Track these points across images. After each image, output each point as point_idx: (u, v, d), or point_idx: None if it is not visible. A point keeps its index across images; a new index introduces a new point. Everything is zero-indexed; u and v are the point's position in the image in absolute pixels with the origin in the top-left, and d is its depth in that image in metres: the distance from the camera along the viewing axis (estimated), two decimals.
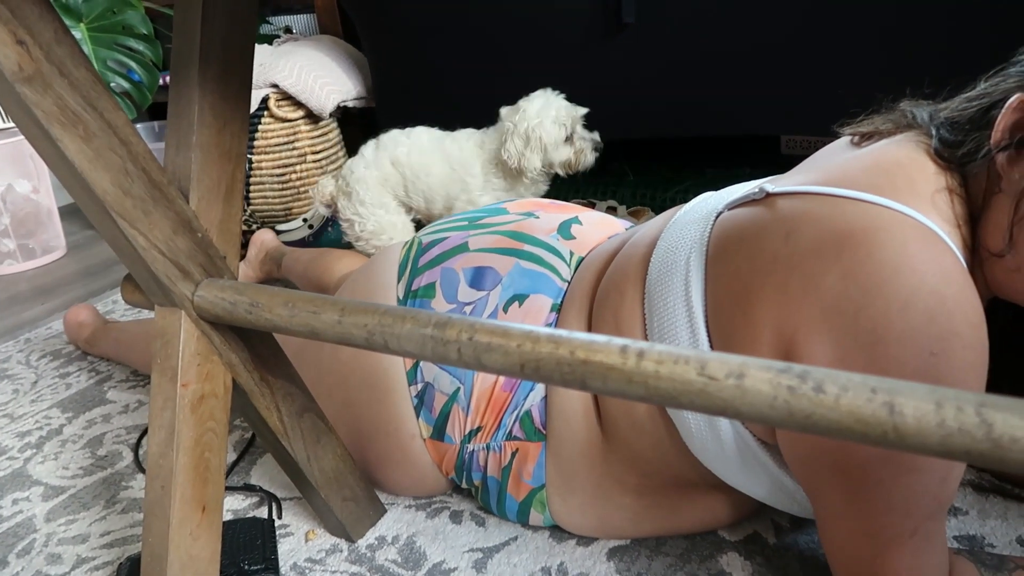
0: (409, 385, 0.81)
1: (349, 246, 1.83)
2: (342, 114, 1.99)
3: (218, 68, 0.62)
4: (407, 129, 1.56)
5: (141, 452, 1.05)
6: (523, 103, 1.43)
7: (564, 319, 0.78)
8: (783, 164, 0.88)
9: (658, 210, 1.62)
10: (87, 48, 1.87)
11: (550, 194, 1.48)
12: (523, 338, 0.48)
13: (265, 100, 1.83)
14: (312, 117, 1.90)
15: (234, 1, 0.61)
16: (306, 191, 1.94)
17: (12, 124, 2.05)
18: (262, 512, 0.90)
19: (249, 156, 1.86)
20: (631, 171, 1.82)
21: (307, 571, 0.80)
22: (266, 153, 1.87)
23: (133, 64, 1.95)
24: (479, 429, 0.79)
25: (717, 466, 0.70)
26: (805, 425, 0.40)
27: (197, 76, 0.60)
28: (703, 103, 1.49)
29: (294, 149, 1.89)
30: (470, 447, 0.79)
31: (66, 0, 1.88)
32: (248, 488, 0.94)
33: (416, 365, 0.81)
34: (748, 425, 0.65)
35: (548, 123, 1.39)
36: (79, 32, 1.90)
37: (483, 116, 1.64)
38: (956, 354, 0.54)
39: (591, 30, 1.53)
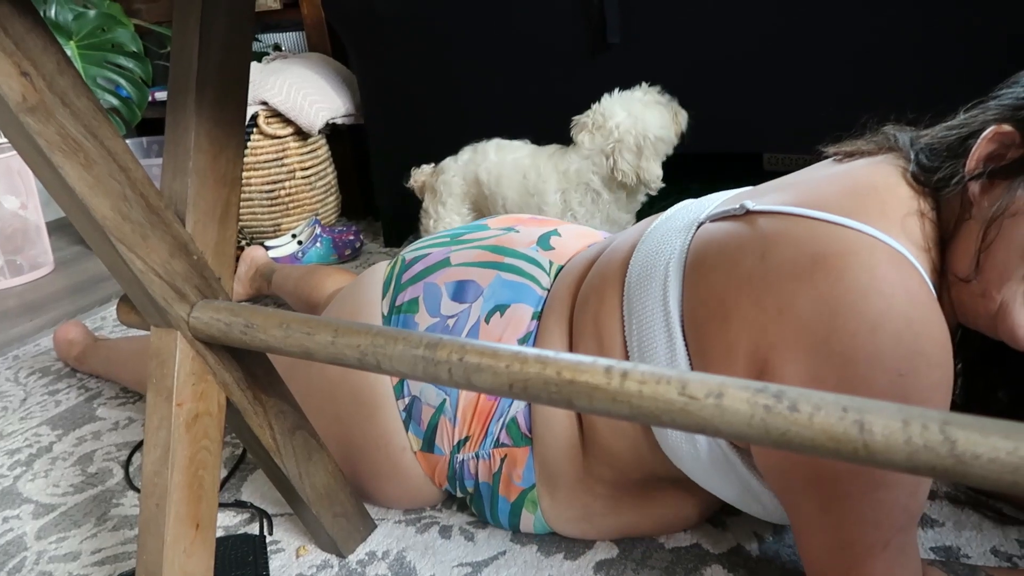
0: (396, 399, 0.83)
1: (338, 262, 1.85)
2: (331, 131, 2.01)
3: (214, 95, 0.63)
4: (503, 142, 1.53)
5: (132, 469, 1.06)
6: (601, 114, 1.38)
7: (544, 326, 0.80)
8: (765, 180, 0.91)
9: None
10: (77, 66, 1.88)
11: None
12: (511, 359, 0.50)
13: (254, 117, 1.85)
14: (301, 134, 1.92)
15: (230, 30, 0.63)
16: (296, 207, 1.95)
17: (0, 141, 2.06)
18: (253, 528, 0.91)
19: None
20: None
21: None
22: (255, 170, 1.89)
23: (122, 81, 1.97)
24: (467, 439, 0.80)
25: (689, 467, 0.72)
26: (780, 442, 0.42)
27: (194, 103, 0.62)
28: (689, 120, 1.52)
29: (283, 166, 1.91)
30: (460, 456, 0.81)
31: (56, 18, 1.89)
32: (239, 504, 0.95)
33: (403, 379, 0.82)
34: None
35: (653, 124, 1.35)
36: (69, 50, 1.91)
37: (471, 132, 1.66)
38: (922, 373, 0.56)
39: (576, 50, 1.56)
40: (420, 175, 1.65)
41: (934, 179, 0.65)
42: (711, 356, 0.65)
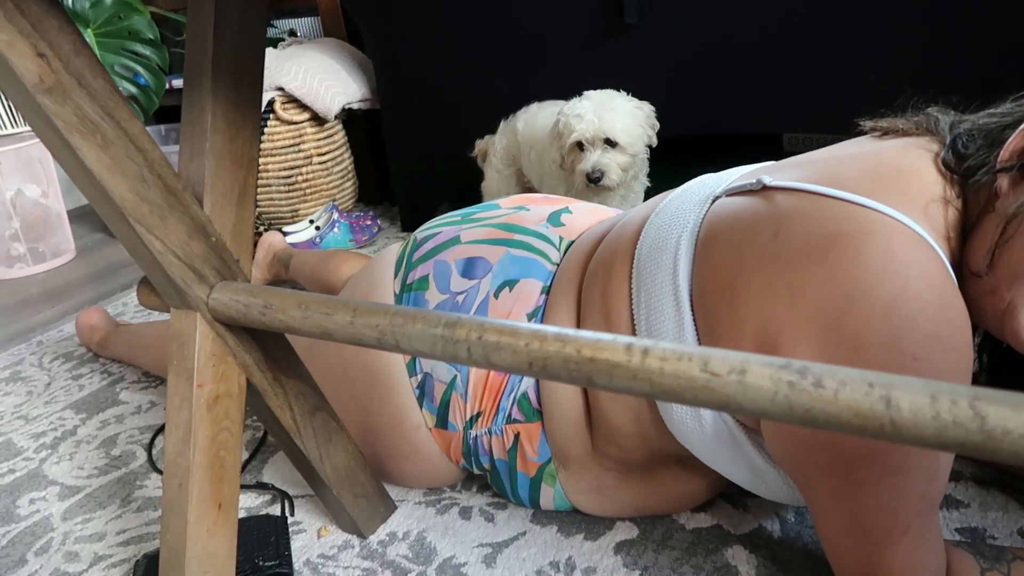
0: (410, 377, 0.83)
1: (355, 247, 1.85)
2: (347, 116, 2.01)
3: (230, 76, 0.63)
4: (550, 101, 1.55)
5: (155, 452, 1.07)
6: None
7: (553, 300, 0.80)
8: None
9: None
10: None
11: None
12: (531, 337, 0.50)
13: (271, 103, 1.85)
14: (317, 119, 1.92)
15: (244, 11, 0.62)
16: (313, 193, 1.95)
17: (20, 129, 2.08)
18: (275, 510, 0.92)
19: None
20: None
21: (320, 567, 0.82)
22: (272, 156, 1.89)
23: (140, 68, 1.97)
24: (479, 415, 0.80)
25: (694, 445, 0.71)
26: (804, 419, 0.41)
27: (210, 84, 0.62)
28: (705, 102, 1.50)
29: (300, 151, 1.91)
30: (473, 433, 0.81)
31: (74, 6, 1.90)
32: (261, 486, 0.96)
33: (415, 357, 0.82)
34: None
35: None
36: (87, 37, 1.91)
37: (487, 116, 1.66)
38: (939, 357, 0.55)
39: (593, 31, 1.54)
40: (481, 143, 1.70)
41: (964, 166, 0.63)
42: (719, 333, 0.64)
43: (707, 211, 0.69)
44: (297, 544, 0.85)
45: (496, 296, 0.81)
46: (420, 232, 0.92)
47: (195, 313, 0.64)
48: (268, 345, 0.71)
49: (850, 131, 0.76)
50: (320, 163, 1.94)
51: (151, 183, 0.59)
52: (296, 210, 1.96)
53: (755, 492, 0.74)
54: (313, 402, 0.76)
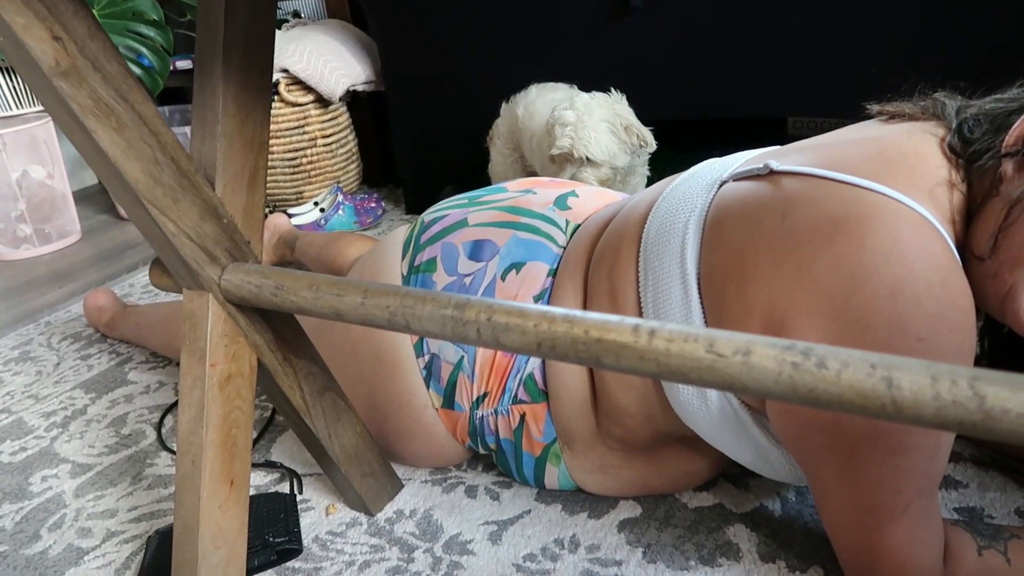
0: (417, 357, 0.84)
1: (360, 230, 1.86)
2: (351, 98, 2.01)
3: (240, 60, 0.64)
4: (548, 84, 1.55)
5: (164, 431, 1.08)
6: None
7: (560, 283, 0.81)
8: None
9: None
10: None
11: None
12: (539, 318, 0.51)
13: (276, 85, 1.85)
14: (322, 101, 1.92)
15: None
16: (317, 175, 1.96)
17: (25, 111, 2.08)
18: (283, 487, 0.94)
19: None
20: None
21: (328, 543, 0.83)
22: (277, 138, 1.89)
23: (144, 50, 1.97)
24: (486, 395, 0.81)
25: (699, 425, 0.72)
26: (808, 399, 0.42)
27: (221, 68, 0.62)
28: (710, 85, 1.50)
29: (304, 133, 1.92)
30: (479, 413, 0.82)
31: None
32: (270, 464, 0.97)
33: (422, 337, 0.83)
34: None
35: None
36: None
37: (492, 98, 1.66)
38: (943, 338, 0.56)
39: (598, 13, 1.54)
40: (492, 130, 1.70)
41: (969, 150, 0.64)
42: (727, 316, 0.65)
43: (715, 195, 0.70)
44: (306, 521, 0.87)
45: (503, 278, 0.82)
46: (427, 214, 0.92)
47: (207, 294, 0.65)
48: (278, 325, 0.72)
49: (855, 115, 0.77)
50: (324, 145, 1.95)
51: (164, 165, 0.60)
52: (301, 192, 1.96)
53: (758, 472, 0.75)
54: (322, 382, 0.78)
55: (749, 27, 1.44)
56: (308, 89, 1.89)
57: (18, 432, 1.12)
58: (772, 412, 0.66)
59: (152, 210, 0.59)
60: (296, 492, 0.92)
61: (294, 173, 1.94)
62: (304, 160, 1.93)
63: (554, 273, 0.82)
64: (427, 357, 0.83)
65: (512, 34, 1.66)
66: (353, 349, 0.88)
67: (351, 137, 2.04)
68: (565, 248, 0.84)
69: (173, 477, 0.97)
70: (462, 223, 0.87)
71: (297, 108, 1.89)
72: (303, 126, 1.91)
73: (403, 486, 0.90)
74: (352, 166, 2.05)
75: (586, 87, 1.52)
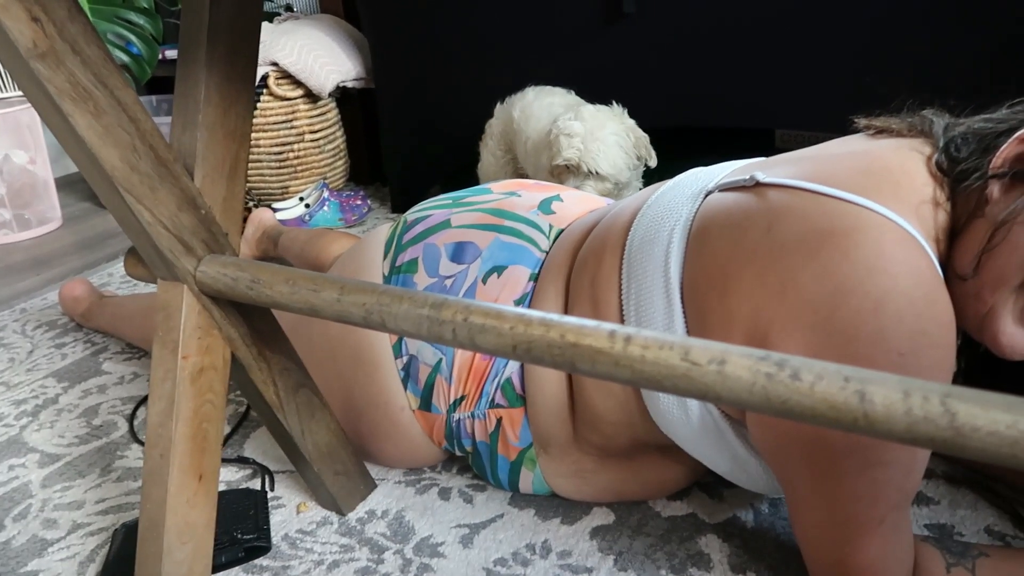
0: (395, 358, 0.83)
1: (344, 227, 1.85)
2: (341, 94, 2.00)
3: (225, 49, 0.63)
4: (546, 88, 1.54)
5: (136, 423, 1.07)
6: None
7: (541, 287, 0.81)
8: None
9: None
10: None
11: None
12: (516, 320, 0.50)
13: (265, 78, 1.84)
14: (311, 96, 1.91)
15: None
16: (304, 170, 1.95)
17: (9, 95, 2.05)
18: (255, 484, 0.93)
19: None
20: None
21: (298, 542, 0.82)
22: (264, 131, 1.88)
23: (133, 37, 1.95)
24: (463, 398, 0.81)
25: (678, 434, 0.72)
26: (781, 410, 0.42)
27: (204, 56, 0.62)
28: (700, 94, 1.51)
29: (292, 128, 1.90)
30: (456, 416, 0.82)
31: None
32: (242, 460, 0.96)
33: (401, 339, 0.83)
34: None
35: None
36: (80, 3, 1.89)
37: (482, 99, 1.65)
38: (924, 353, 0.57)
39: (592, 18, 1.54)
40: (487, 128, 1.69)
41: (956, 169, 0.64)
42: (709, 325, 0.65)
43: (700, 205, 0.70)
44: (276, 519, 0.86)
45: (484, 281, 0.82)
46: (411, 214, 0.92)
47: (182, 285, 0.65)
48: (254, 320, 0.71)
49: (843, 129, 0.77)
50: (312, 140, 1.94)
51: (142, 153, 0.59)
52: (286, 187, 1.95)
53: (735, 481, 0.75)
54: (297, 378, 0.77)
55: (741, 38, 1.45)
56: (297, 83, 1.87)
57: None
58: (751, 422, 0.66)
59: (128, 198, 0.59)
60: (267, 489, 0.91)
61: (280, 167, 1.92)
62: (291, 155, 1.92)
63: (536, 277, 0.82)
64: (405, 358, 0.83)
65: (504, 37, 1.66)
66: (331, 348, 0.87)
67: (339, 133, 2.03)
68: (547, 253, 0.84)
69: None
70: (445, 224, 0.87)
71: (286, 102, 1.88)
72: (291, 120, 1.90)
73: (376, 486, 0.90)
74: (339, 162, 2.03)
75: (578, 91, 1.53)
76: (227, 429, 1.03)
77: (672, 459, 0.81)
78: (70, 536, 0.85)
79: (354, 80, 1.94)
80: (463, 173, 1.78)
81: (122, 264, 1.71)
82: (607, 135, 1.34)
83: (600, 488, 0.83)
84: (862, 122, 0.74)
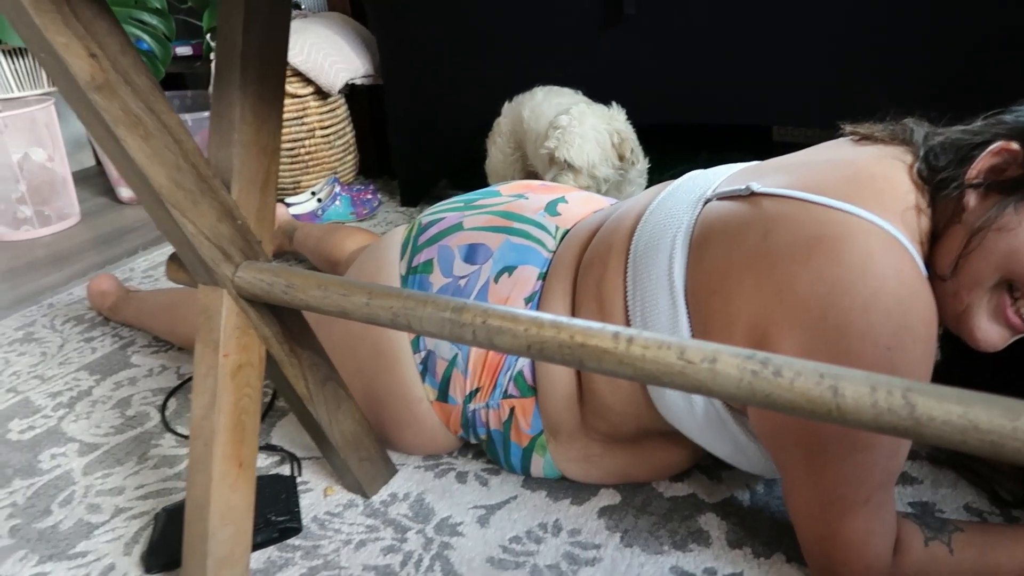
0: (414, 353, 0.89)
1: (356, 221, 1.90)
2: (350, 90, 2.05)
3: (256, 71, 0.68)
4: (555, 88, 1.58)
5: (167, 413, 1.13)
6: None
7: (549, 286, 0.86)
8: (774, 152, 0.95)
9: None
10: None
11: None
12: (530, 323, 0.56)
13: None
14: (321, 94, 1.95)
15: (271, 12, 0.67)
16: (315, 165, 2.00)
17: (26, 93, 2.11)
18: (283, 470, 0.99)
19: None
20: None
21: (327, 523, 0.89)
22: None
23: (146, 37, 2.00)
24: (478, 390, 0.87)
25: (683, 424, 0.78)
26: (765, 403, 0.48)
27: (239, 79, 0.67)
28: (700, 93, 1.55)
29: (303, 124, 1.95)
30: (472, 406, 0.88)
31: None
32: (270, 448, 1.02)
33: (418, 336, 0.89)
34: None
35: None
36: None
37: (488, 96, 1.70)
38: (908, 347, 0.62)
39: (593, 20, 1.58)
40: (496, 126, 1.72)
41: (936, 179, 0.69)
42: (712, 327, 0.71)
43: (699, 213, 0.75)
44: (305, 502, 0.92)
45: (496, 281, 0.87)
46: (424, 216, 0.97)
47: (221, 289, 0.70)
48: (286, 319, 0.77)
49: (837, 126, 0.82)
50: (323, 136, 1.99)
51: (186, 171, 0.65)
52: (298, 182, 2.00)
53: (735, 464, 0.81)
54: (324, 372, 0.83)
55: (740, 36, 1.49)
56: (308, 81, 1.92)
57: (25, 411, 1.16)
58: (752, 412, 0.72)
59: (174, 212, 0.64)
60: (296, 474, 0.97)
61: (292, 163, 1.98)
62: (302, 151, 1.97)
63: (544, 276, 0.88)
64: (423, 353, 0.88)
65: (507, 36, 1.70)
66: (352, 344, 0.93)
67: (349, 129, 2.08)
68: (554, 253, 0.89)
69: (178, 457, 1.03)
70: (458, 227, 0.92)
71: (296, 100, 1.93)
72: (302, 117, 1.95)
73: (397, 471, 0.96)
74: (349, 157, 2.09)
75: (581, 89, 1.57)
76: None
77: (675, 443, 0.87)
78: (114, 519, 0.92)
79: (362, 77, 1.99)
80: (469, 167, 1.83)
81: (143, 259, 1.77)
82: (586, 130, 1.40)
83: (607, 471, 0.89)
84: (848, 128, 0.79)
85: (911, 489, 0.89)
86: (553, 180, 1.42)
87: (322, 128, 1.98)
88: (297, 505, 0.89)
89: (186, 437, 1.07)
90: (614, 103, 1.46)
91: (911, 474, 0.91)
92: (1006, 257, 0.64)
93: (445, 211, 0.96)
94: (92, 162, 2.65)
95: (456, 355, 0.87)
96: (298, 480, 0.96)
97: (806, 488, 0.70)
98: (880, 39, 1.39)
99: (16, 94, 2.14)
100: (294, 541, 0.86)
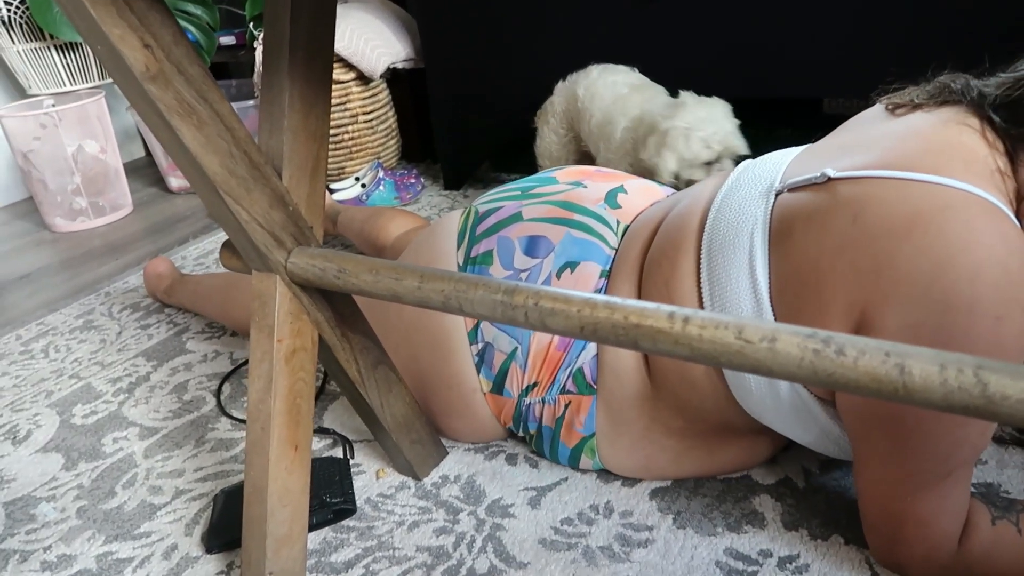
0: (470, 344, 0.89)
1: (400, 205, 1.91)
2: (391, 75, 2.05)
3: (304, 58, 0.68)
4: (609, 66, 1.53)
5: (223, 398, 1.16)
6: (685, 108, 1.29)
7: (613, 285, 0.85)
8: (824, 125, 0.92)
9: None
10: None
11: None
12: (582, 304, 0.55)
13: None
14: (363, 79, 1.96)
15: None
16: (359, 150, 2.01)
17: (79, 87, 2.15)
18: (335, 452, 1.00)
19: None
20: None
21: (380, 504, 0.90)
22: None
23: (191, 28, 2.03)
24: (535, 384, 0.86)
25: (770, 418, 0.76)
26: (827, 383, 0.47)
27: (287, 66, 0.67)
28: (743, 67, 1.52)
29: (346, 110, 1.97)
30: (527, 400, 0.88)
31: None
32: (322, 431, 1.04)
33: (477, 326, 0.89)
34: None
35: (696, 141, 1.26)
36: None
37: (527, 76, 1.69)
38: (1018, 316, 0.60)
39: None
40: (541, 108, 1.67)
41: (1014, 134, 0.67)
42: (802, 319, 0.68)
43: (773, 206, 0.72)
44: (358, 484, 0.94)
45: (558, 276, 0.86)
46: (481, 204, 0.97)
47: (275, 275, 0.71)
48: (337, 304, 0.78)
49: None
50: (365, 121, 2.00)
51: (238, 158, 0.65)
52: (342, 168, 2.02)
53: (820, 451, 0.79)
54: (375, 356, 0.84)
55: (777, 8, 1.45)
56: (350, 67, 1.93)
57: (88, 396, 1.20)
58: (839, 392, 0.70)
59: (228, 200, 0.65)
60: (348, 457, 0.99)
61: (336, 149, 1.99)
62: (346, 136, 1.99)
63: (607, 274, 0.86)
64: (480, 345, 0.88)
65: (546, 14, 1.68)
66: (408, 332, 0.93)
67: (391, 113, 2.09)
68: (616, 250, 0.88)
69: (234, 441, 1.05)
70: (517, 217, 0.91)
71: (339, 85, 1.94)
72: (345, 103, 1.96)
73: (448, 453, 0.97)
74: (392, 142, 2.10)
75: (623, 63, 1.54)
76: None
77: (752, 440, 0.85)
78: (175, 501, 0.94)
79: (404, 61, 1.99)
80: (512, 148, 1.82)
81: (194, 247, 1.81)
82: (693, 145, 1.25)
83: (667, 477, 0.88)
84: (883, 99, 0.77)
85: (976, 470, 0.86)
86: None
87: (365, 113, 1.99)
88: (351, 487, 0.91)
89: (241, 421, 1.09)
90: (716, 98, 1.32)
91: None
92: None
93: (502, 199, 0.96)
94: (142, 153, 2.71)
95: (516, 348, 0.86)
96: (351, 462, 0.98)
97: (885, 465, 0.67)
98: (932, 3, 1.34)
99: (68, 88, 2.19)
100: (348, 522, 0.87)
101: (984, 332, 0.59)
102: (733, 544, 0.79)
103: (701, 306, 0.76)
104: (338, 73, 1.92)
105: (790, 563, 0.77)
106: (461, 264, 0.91)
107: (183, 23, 2.05)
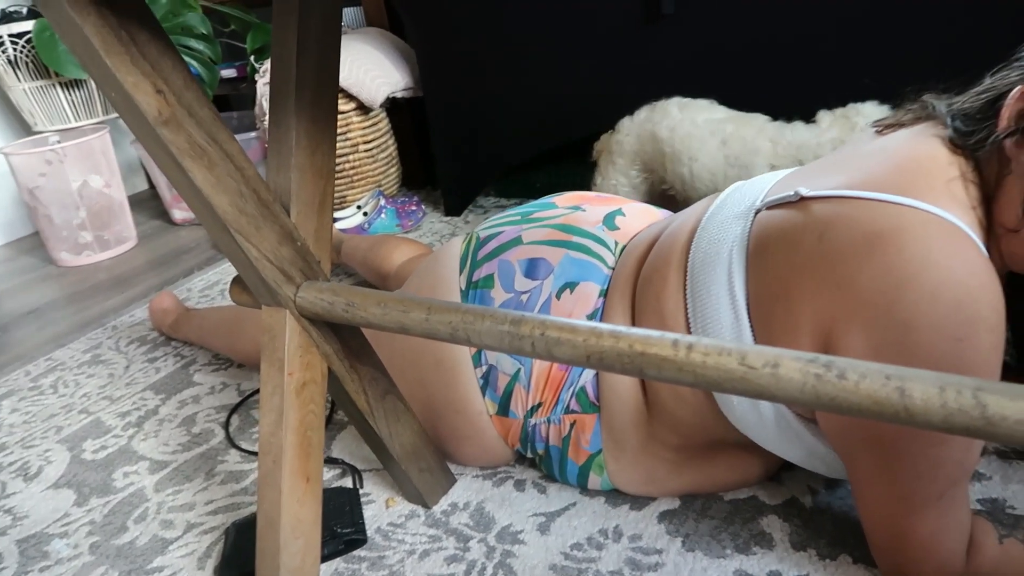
0: (475, 367, 0.90)
1: (401, 232, 1.93)
2: (391, 104, 2.08)
3: (310, 97, 0.70)
4: (686, 100, 1.42)
5: (231, 429, 1.16)
6: (854, 109, 1.26)
7: (610, 303, 0.87)
8: None
9: None
10: None
11: None
12: (588, 333, 0.57)
13: None
14: (363, 108, 1.99)
15: (324, 33, 0.69)
16: (359, 179, 2.03)
17: (84, 123, 2.18)
18: (344, 482, 1.01)
19: None
20: None
21: (390, 534, 0.90)
22: None
23: (194, 63, 2.06)
24: (539, 405, 0.88)
25: (756, 434, 0.78)
26: (830, 407, 0.48)
27: (293, 105, 0.69)
28: (742, 90, 1.54)
29: (347, 139, 1.99)
30: (532, 421, 0.89)
31: None
32: (331, 461, 1.05)
33: (480, 350, 0.90)
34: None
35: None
36: None
37: (526, 103, 1.71)
38: (980, 337, 0.61)
39: (631, 20, 1.58)
40: (600, 143, 1.56)
41: (971, 141, 0.69)
42: (777, 335, 0.70)
43: (751, 224, 0.75)
44: (368, 513, 0.94)
45: (558, 297, 0.88)
46: (482, 230, 0.98)
47: (284, 310, 0.72)
48: (346, 337, 0.79)
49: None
50: (366, 151, 2.02)
51: (248, 197, 0.67)
52: (344, 197, 2.04)
53: (811, 469, 0.81)
54: (384, 386, 0.85)
55: (783, 34, 1.48)
56: (350, 97, 1.96)
57: (97, 431, 1.21)
58: (819, 412, 0.71)
59: (238, 237, 0.67)
60: (358, 486, 0.99)
61: (338, 178, 2.01)
62: (347, 166, 2.01)
63: (605, 293, 0.88)
64: (484, 368, 0.90)
65: (545, 39, 1.71)
66: (413, 358, 0.94)
67: (391, 142, 2.12)
68: (614, 269, 0.90)
69: (243, 473, 1.06)
70: (517, 241, 0.93)
71: (340, 115, 1.96)
72: (345, 133, 1.99)
73: (456, 481, 0.97)
74: (392, 170, 2.12)
75: (620, 91, 1.57)
76: None
77: (747, 455, 0.86)
78: (186, 535, 0.95)
79: (403, 90, 2.02)
80: (511, 174, 1.84)
81: (199, 279, 1.82)
82: None
83: (671, 491, 0.89)
84: (871, 124, 0.79)
85: (980, 485, 0.87)
86: None
87: (365, 142, 2.01)
88: (361, 517, 0.91)
89: (250, 453, 1.10)
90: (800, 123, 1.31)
91: (979, 470, 0.89)
92: None
93: (502, 224, 0.97)
94: (145, 186, 2.73)
95: (519, 370, 0.88)
96: (360, 492, 0.98)
97: (877, 485, 0.69)
98: (936, 27, 1.36)
99: (73, 124, 2.22)
100: (360, 552, 0.88)
101: (946, 353, 0.60)
102: (742, 566, 0.80)
103: (687, 320, 0.78)
104: (339, 103, 1.95)
105: None
106: (464, 288, 0.93)
107: (186, 58, 2.09)
